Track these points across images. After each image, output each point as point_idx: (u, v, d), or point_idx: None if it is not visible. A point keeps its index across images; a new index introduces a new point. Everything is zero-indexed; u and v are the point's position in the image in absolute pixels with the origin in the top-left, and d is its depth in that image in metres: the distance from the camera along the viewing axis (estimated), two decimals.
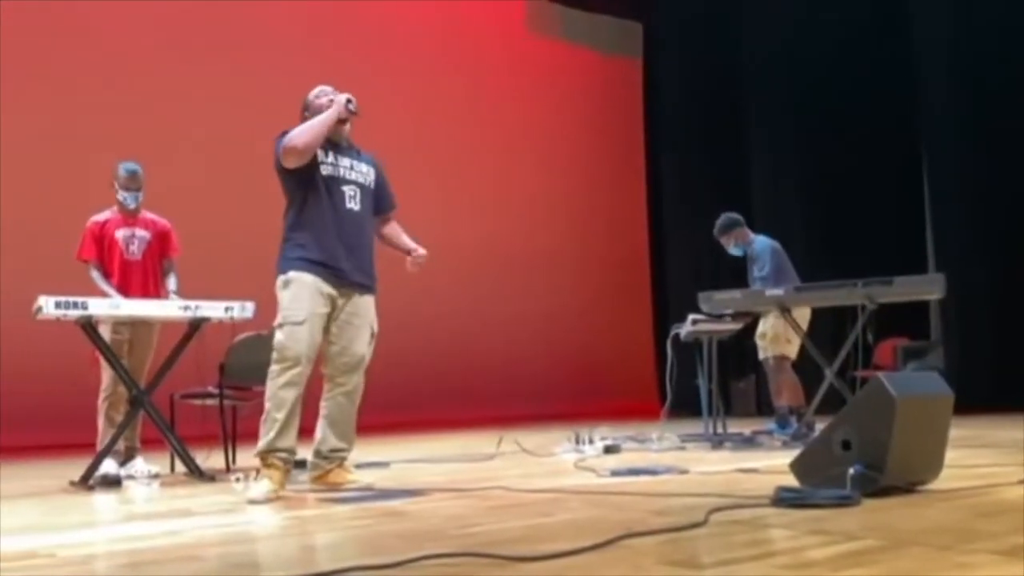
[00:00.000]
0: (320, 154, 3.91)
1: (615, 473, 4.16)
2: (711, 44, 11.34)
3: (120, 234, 5.01)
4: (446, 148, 10.47)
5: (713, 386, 6.20)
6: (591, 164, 11.77)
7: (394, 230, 4.26)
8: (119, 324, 4.82)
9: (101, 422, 4.84)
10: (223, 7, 9.11)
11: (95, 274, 4.95)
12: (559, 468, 4.65)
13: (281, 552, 2.66)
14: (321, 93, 4.07)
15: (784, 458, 3.69)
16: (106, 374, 4.84)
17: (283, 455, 3.78)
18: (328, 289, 3.87)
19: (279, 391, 3.76)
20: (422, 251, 4.13)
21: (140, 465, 4.88)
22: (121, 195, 5.04)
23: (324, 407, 4.00)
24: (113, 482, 4.49)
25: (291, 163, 3.85)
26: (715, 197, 9.52)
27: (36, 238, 7.65)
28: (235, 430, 5.22)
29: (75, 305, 4.36)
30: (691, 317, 6.08)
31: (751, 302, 6.04)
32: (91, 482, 4.44)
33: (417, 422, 9.12)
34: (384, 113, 8.27)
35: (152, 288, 5.04)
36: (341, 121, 3.98)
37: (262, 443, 3.77)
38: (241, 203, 8.33)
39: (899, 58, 9.64)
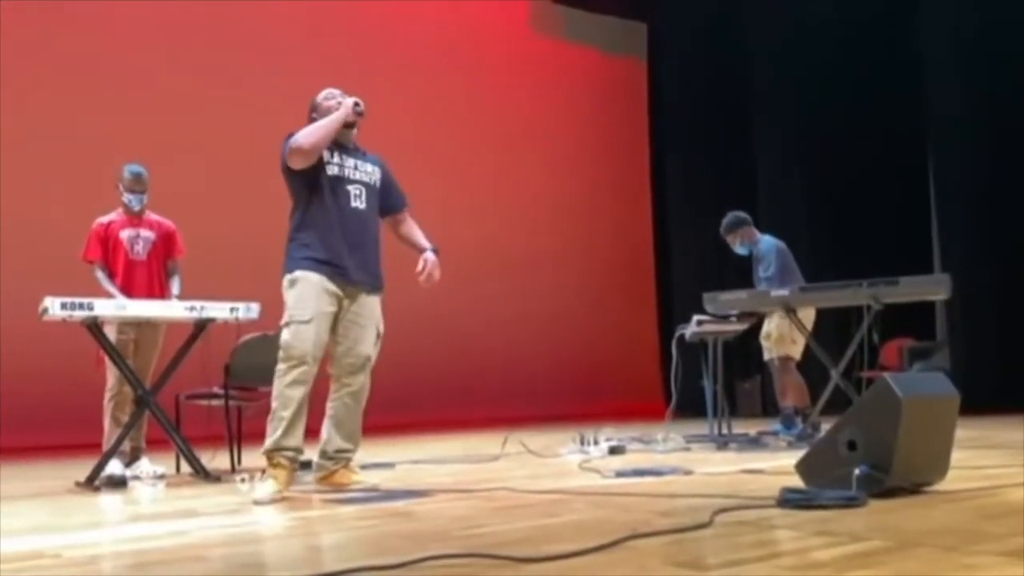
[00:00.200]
0: (326, 155, 3.91)
1: (620, 474, 4.15)
2: (716, 44, 11.31)
3: (125, 234, 5.02)
4: (449, 148, 10.47)
5: (718, 387, 6.19)
6: (595, 164, 11.76)
7: (409, 228, 4.24)
8: (125, 325, 4.83)
9: (107, 423, 4.85)
10: (225, 8, 9.13)
11: (100, 275, 4.96)
12: (564, 469, 4.65)
13: (286, 553, 2.66)
14: (329, 96, 4.07)
15: (789, 459, 3.68)
16: (112, 374, 4.85)
17: (289, 454, 3.79)
18: (334, 288, 3.87)
19: (285, 390, 3.77)
20: (431, 257, 4.06)
21: (146, 466, 4.90)
22: (126, 197, 5.05)
23: (330, 408, 4.00)
24: (119, 483, 4.50)
25: (297, 164, 3.85)
26: (720, 197, 9.48)
27: (38, 239, 7.68)
28: (240, 431, 5.24)
29: (81, 306, 4.37)
30: (696, 318, 6.07)
31: (756, 303, 6.03)
32: (97, 483, 4.44)
33: (422, 423, 9.13)
34: (387, 113, 8.26)
35: (156, 289, 5.05)
36: (348, 124, 3.97)
37: (268, 442, 3.78)
38: (245, 204, 8.36)
39: (905, 58, 9.61)
